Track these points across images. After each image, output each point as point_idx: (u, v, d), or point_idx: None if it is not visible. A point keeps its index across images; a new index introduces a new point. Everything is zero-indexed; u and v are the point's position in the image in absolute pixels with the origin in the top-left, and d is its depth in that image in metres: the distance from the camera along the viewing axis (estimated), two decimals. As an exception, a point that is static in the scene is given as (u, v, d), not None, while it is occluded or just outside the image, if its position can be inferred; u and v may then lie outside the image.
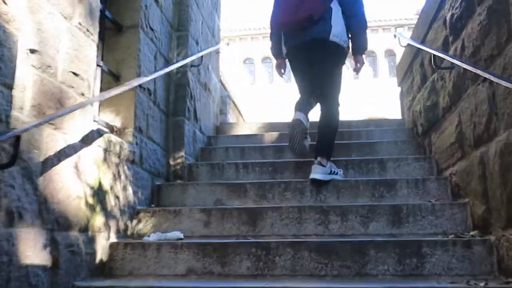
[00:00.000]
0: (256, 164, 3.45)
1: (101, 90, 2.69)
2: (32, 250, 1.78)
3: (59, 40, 2.01)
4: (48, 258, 1.88)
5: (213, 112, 4.69)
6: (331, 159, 3.17)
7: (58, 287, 1.93)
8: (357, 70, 3.32)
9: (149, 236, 2.59)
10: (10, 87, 1.63)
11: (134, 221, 2.74)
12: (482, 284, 1.97)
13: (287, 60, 3.42)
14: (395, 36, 4.17)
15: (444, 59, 2.83)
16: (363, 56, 3.26)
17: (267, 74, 21.91)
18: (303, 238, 2.60)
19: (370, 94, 19.66)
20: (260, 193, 3.03)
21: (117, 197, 2.53)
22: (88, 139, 2.23)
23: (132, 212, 2.75)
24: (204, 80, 4.26)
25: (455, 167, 2.81)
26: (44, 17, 1.89)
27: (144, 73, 2.95)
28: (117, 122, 2.81)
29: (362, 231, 2.61)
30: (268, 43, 3.54)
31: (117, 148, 2.54)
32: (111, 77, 2.83)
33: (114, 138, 2.53)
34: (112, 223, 2.47)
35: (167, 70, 3.17)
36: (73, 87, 2.11)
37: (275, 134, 4.34)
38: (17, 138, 1.55)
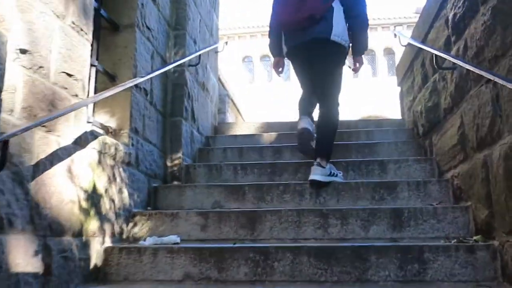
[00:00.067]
0: (254, 165, 3.40)
1: (97, 90, 2.63)
2: (23, 257, 1.72)
3: (52, 39, 1.95)
4: (40, 265, 1.82)
5: (211, 112, 4.64)
6: (331, 160, 3.12)
7: (50, 294, 1.88)
8: (356, 70, 3.29)
9: (145, 240, 2.54)
10: (-1, 89, 1.57)
11: (130, 225, 2.69)
12: (486, 291, 1.92)
13: (287, 59, 3.37)
14: (395, 35, 4.12)
15: (446, 59, 2.79)
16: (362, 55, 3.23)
17: (266, 72, 21.84)
18: (302, 242, 2.55)
19: (369, 93, 19.60)
20: (259, 195, 2.98)
21: (112, 200, 2.48)
22: (82, 142, 2.18)
23: (128, 215, 2.69)
24: (202, 79, 4.20)
25: (457, 169, 2.76)
26: (35, 16, 1.83)
27: (140, 73, 2.89)
28: (112, 123, 2.75)
29: (363, 235, 2.56)
30: (267, 41, 3.49)
31: (112, 150, 2.49)
32: (106, 77, 2.77)
33: (109, 140, 2.47)
34: (107, 227, 2.42)
35: (164, 69, 3.11)
36: (66, 88, 2.05)
37: (273, 135, 4.29)
38: (5, 142, 1.49)
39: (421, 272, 2.17)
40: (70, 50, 2.09)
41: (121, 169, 2.60)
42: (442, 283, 2.12)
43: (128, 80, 2.63)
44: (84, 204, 2.17)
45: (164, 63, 3.40)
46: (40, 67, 1.86)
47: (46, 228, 1.86)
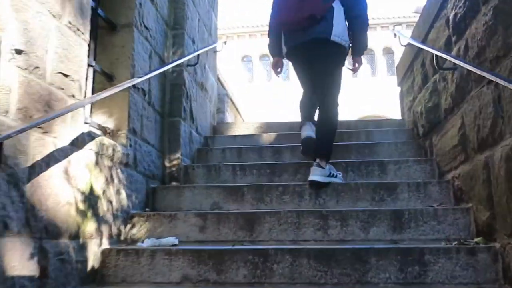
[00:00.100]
0: (253, 166, 3.38)
1: (94, 90, 2.60)
2: (19, 260, 1.70)
3: (48, 39, 1.93)
4: (36, 268, 1.79)
5: (210, 112, 4.61)
6: (331, 161, 3.10)
7: (46, 298, 1.85)
8: (355, 70, 3.28)
9: (143, 242, 2.52)
10: (-7, 90, 1.55)
11: (128, 226, 2.67)
12: (487, 294, 1.90)
13: (286, 59, 3.35)
14: (395, 35, 4.09)
15: (446, 59, 2.76)
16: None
17: (265, 72, 21.80)
18: (302, 243, 2.53)
19: (368, 93, 19.58)
20: (258, 196, 2.95)
21: (110, 202, 2.45)
22: (79, 143, 2.15)
23: (126, 217, 2.67)
24: (201, 79, 4.18)
25: (457, 170, 2.74)
26: (31, 16, 1.80)
27: (138, 73, 2.86)
28: (110, 124, 2.73)
29: (362, 236, 2.54)
30: (266, 41, 3.47)
31: (110, 151, 2.46)
32: (104, 77, 2.74)
33: (106, 140, 2.44)
34: (105, 229, 2.39)
35: (162, 69, 3.09)
36: (63, 88, 2.03)
37: (273, 135, 4.27)
38: (0, 144, 1.46)
39: (421, 274, 2.15)
40: (66, 50, 2.07)
41: (119, 170, 2.58)
42: (443, 286, 2.11)
43: (126, 80, 2.61)
44: (81, 206, 2.15)
45: (162, 63, 3.37)
46: (36, 67, 1.84)
47: (42, 230, 1.84)
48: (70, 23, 2.10)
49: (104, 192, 2.38)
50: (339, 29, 2.99)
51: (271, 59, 3.47)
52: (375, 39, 18.82)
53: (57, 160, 1.96)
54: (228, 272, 2.23)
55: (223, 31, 20.86)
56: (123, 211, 2.62)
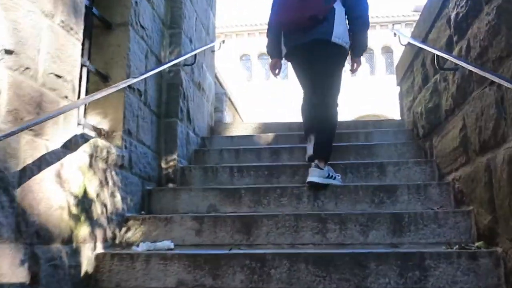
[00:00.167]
0: (251, 168, 3.33)
1: (89, 91, 2.55)
2: (9, 266, 1.65)
3: (39, 39, 1.87)
4: (27, 274, 1.74)
5: (208, 112, 4.56)
6: (329, 162, 3.06)
7: (38, 305, 1.80)
8: (354, 71, 3.24)
9: (138, 245, 2.46)
10: (-19, 92, 1.50)
11: (123, 229, 2.62)
12: (489, 301, 1.86)
13: (286, 60, 3.31)
14: (395, 34, 4.05)
15: (447, 59, 2.72)
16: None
17: (264, 70, 21.75)
18: (300, 247, 2.49)
19: (367, 92, 19.55)
20: (255, 199, 2.91)
21: (104, 205, 2.40)
22: (72, 145, 2.10)
23: (121, 220, 2.62)
24: (198, 79, 4.13)
25: (458, 172, 2.70)
26: (21, 15, 1.75)
27: (134, 73, 2.81)
28: (105, 125, 2.68)
29: (362, 240, 2.50)
30: (264, 39, 3.42)
31: (104, 153, 2.41)
32: (99, 77, 2.69)
33: (101, 142, 2.39)
34: (99, 233, 2.34)
35: (158, 69, 3.04)
36: (55, 89, 1.97)
37: (271, 135, 4.22)
38: (-13, 149, 1.41)
39: (422, 279, 2.10)
40: (59, 50, 2.02)
41: (113, 173, 2.53)
42: (444, 291, 2.06)
43: (122, 80, 2.55)
44: (74, 210, 2.10)
45: (159, 62, 3.32)
46: (27, 68, 1.78)
47: (33, 235, 1.79)
48: (63, 22, 2.05)
49: (98, 195, 2.33)
50: (340, 31, 2.96)
51: (270, 58, 3.42)
52: (374, 38, 18.78)
53: (49, 163, 1.91)
54: (224, 277, 2.18)
55: (221, 29, 20.80)
56: (117, 214, 2.57)
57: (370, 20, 3.18)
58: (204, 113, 4.37)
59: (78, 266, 2.13)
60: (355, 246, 2.47)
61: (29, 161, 1.78)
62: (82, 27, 2.25)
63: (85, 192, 2.21)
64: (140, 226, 2.64)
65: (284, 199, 2.89)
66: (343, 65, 3.13)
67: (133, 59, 2.85)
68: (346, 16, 3.05)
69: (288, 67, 15.80)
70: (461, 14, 2.54)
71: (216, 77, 5.60)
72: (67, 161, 2.04)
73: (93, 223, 2.28)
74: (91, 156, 2.28)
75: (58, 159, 1.98)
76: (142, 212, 2.89)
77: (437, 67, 2.88)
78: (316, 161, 2.96)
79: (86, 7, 2.38)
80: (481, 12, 2.25)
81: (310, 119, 3.20)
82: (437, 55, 2.82)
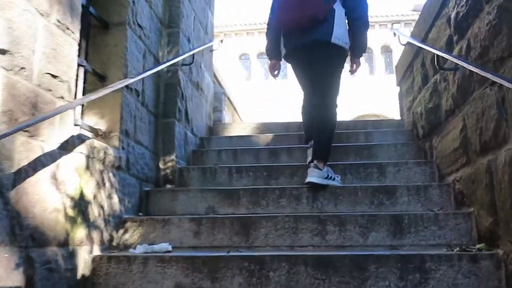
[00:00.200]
0: (250, 168, 3.30)
1: (86, 91, 2.52)
2: (3, 270, 1.62)
3: (35, 39, 1.85)
4: (22, 278, 1.72)
5: (206, 112, 4.53)
6: (328, 163, 3.03)
7: (33, 309, 1.78)
8: (353, 72, 3.22)
9: (135, 248, 2.44)
10: (-26, 92, 1.47)
11: (120, 231, 2.59)
12: (491, 304, 1.83)
13: (285, 61, 3.29)
14: (394, 34, 4.02)
15: (447, 59, 2.69)
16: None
17: (263, 70, 21.70)
18: (299, 249, 2.46)
19: (366, 92, 19.51)
20: (254, 200, 2.88)
21: (101, 207, 2.37)
22: (68, 146, 2.07)
23: (118, 222, 2.59)
24: (196, 79, 4.10)
25: (458, 173, 2.67)
26: (16, 14, 1.72)
27: (131, 73, 2.78)
28: (102, 125, 2.65)
29: (361, 242, 2.47)
30: (263, 39, 3.40)
31: (101, 154, 2.38)
32: (96, 77, 2.66)
33: (97, 143, 2.36)
34: (96, 235, 2.32)
35: (156, 69, 3.01)
36: (51, 90, 1.95)
37: (270, 136, 4.19)
38: (-20, 151, 1.38)
39: (422, 282, 2.08)
40: (55, 50, 1.99)
41: (110, 174, 2.50)
42: (444, 294, 2.04)
43: (119, 80, 2.53)
44: (70, 212, 2.07)
45: (157, 62, 3.29)
46: (22, 68, 1.76)
47: (28, 238, 1.76)
48: (59, 21, 2.02)
49: (95, 196, 2.31)
50: (340, 31, 2.95)
51: (269, 60, 3.39)
52: (373, 37, 18.75)
53: (44, 165, 1.88)
54: (223, 280, 2.15)
55: (220, 29, 20.75)
56: (115, 216, 2.55)
57: (370, 19, 3.16)
58: (202, 113, 4.34)
59: (74, 269, 2.10)
60: (355, 248, 2.45)
61: (24, 162, 1.75)
62: (79, 26, 2.22)
63: (81, 193, 2.18)
64: (138, 228, 2.61)
65: (283, 200, 2.86)
66: (343, 66, 3.12)
67: (131, 59, 2.83)
68: (345, 17, 3.03)
69: (287, 66, 15.77)
70: (461, 14, 2.52)
71: (215, 76, 5.57)
72: (63, 163, 2.02)
73: (90, 225, 2.26)
74: (87, 157, 2.25)
75: (54, 160, 1.95)
76: (140, 213, 2.87)
77: (437, 67, 2.86)
78: (315, 162, 2.94)
79: (83, 6, 2.35)
80: (482, 11, 2.23)
81: (311, 119, 3.18)
82: (437, 55, 2.79)
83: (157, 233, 2.60)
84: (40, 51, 1.88)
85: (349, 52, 3.11)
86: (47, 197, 1.89)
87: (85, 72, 2.51)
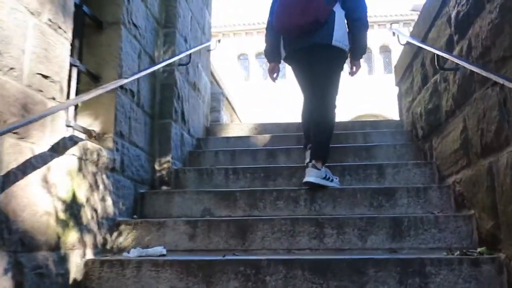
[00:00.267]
0: (247, 170, 3.26)
1: (80, 91, 2.47)
2: (-9, 276, 1.57)
3: (25, 38, 1.80)
4: (10, 284, 1.67)
5: (203, 112, 4.48)
6: (327, 164, 2.99)
7: (22, 315, 1.73)
8: (353, 74, 3.19)
9: (129, 252, 2.39)
10: (-40, 93, 1.42)
11: (114, 234, 2.54)
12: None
13: (285, 63, 3.25)
14: (394, 33, 3.98)
15: (447, 59, 2.65)
16: None
17: (262, 70, 21.66)
18: (297, 252, 2.42)
19: (365, 91, 19.47)
20: (251, 202, 2.84)
21: (94, 210, 2.33)
22: (60, 148, 2.02)
23: (112, 225, 2.54)
24: (193, 79, 4.05)
25: (459, 175, 2.63)
26: (5, 13, 1.67)
27: (126, 73, 2.73)
28: (96, 127, 2.60)
29: (360, 245, 2.43)
30: (262, 39, 3.35)
31: (95, 155, 2.34)
32: (90, 78, 2.61)
33: (90, 145, 2.31)
34: (88, 239, 2.27)
35: (151, 69, 2.96)
36: (41, 91, 1.90)
37: (267, 136, 4.15)
38: (-36, 154, 1.33)
39: (422, 286, 2.03)
40: (46, 50, 1.94)
41: (104, 176, 2.45)
42: (445, 299, 1.99)
43: (113, 81, 2.47)
44: (62, 215, 2.02)
45: (153, 62, 3.24)
46: (11, 68, 1.71)
47: (17, 243, 1.71)
48: (50, 20, 1.97)
49: (88, 199, 2.26)
50: (340, 34, 2.93)
51: (268, 63, 3.35)
52: (372, 37, 18.71)
53: (35, 168, 1.83)
54: (218, 285, 2.10)
55: (219, 28, 20.71)
56: (108, 219, 2.50)
57: (369, 19, 3.13)
58: (199, 114, 4.29)
59: (66, 273, 2.05)
60: (353, 251, 2.40)
61: (13, 165, 1.70)
62: (71, 26, 2.17)
63: (73, 196, 2.13)
64: (132, 231, 2.57)
65: (281, 202, 2.82)
66: (342, 68, 3.09)
67: (125, 59, 2.78)
68: (345, 19, 2.99)
69: (285, 66, 15.68)
70: (462, 13, 2.47)
71: (213, 77, 5.53)
72: (54, 165, 1.97)
73: (83, 229, 2.21)
74: (80, 159, 2.20)
75: (45, 162, 1.90)
76: (135, 216, 2.82)
77: (437, 67, 2.81)
78: (313, 162, 2.89)
79: (76, 5, 2.30)
80: (483, 10, 2.18)
81: (310, 120, 3.14)
82: (437, 55, 2.75)
83: (152, 236, 2.56)
84: (31, 50, 1.84)
85: (349, 54, 3.08)
86: (37, 201, 1.84)
87: (79, 72, 2.47)
